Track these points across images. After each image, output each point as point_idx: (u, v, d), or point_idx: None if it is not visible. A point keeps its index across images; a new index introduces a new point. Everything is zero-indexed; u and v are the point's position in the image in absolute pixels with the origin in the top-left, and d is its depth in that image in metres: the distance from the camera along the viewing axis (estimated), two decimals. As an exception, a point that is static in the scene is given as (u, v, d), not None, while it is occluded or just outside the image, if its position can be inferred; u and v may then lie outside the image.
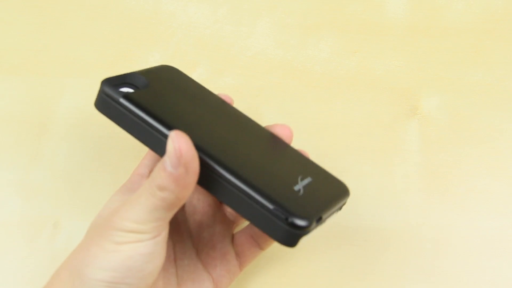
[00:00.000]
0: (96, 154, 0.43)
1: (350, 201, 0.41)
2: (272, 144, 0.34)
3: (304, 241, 0.28)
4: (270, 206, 0.28)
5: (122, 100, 0.30)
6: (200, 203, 0.36)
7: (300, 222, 0.28)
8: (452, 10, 0.47)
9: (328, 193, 0.32)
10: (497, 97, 0.44)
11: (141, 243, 0.29)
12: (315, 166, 0.34)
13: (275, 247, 0.40)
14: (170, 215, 0.30)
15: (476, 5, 0.47)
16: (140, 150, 0.43)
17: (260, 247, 0.36)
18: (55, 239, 0.40)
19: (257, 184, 0.28)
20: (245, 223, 0.38)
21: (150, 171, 0.35)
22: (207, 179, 0.29)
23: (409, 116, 0.43)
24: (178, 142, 0.28)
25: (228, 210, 0.37)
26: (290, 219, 0.27)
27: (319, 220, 0.29)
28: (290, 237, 0.28)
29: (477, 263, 0.39)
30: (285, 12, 0.47)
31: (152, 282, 0.30)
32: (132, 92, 0.31)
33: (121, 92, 0.31)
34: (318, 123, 0.43)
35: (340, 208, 0.32)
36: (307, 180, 0.31)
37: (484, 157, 0.42)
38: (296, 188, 0.30)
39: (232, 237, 0.36)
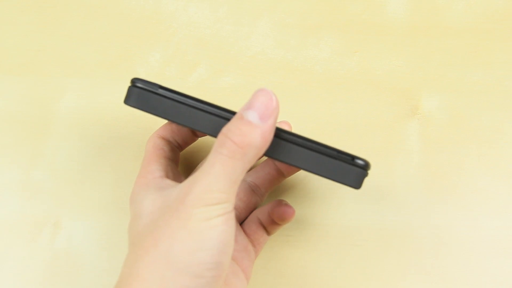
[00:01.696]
0: (96, 154, 0.43)
1: (350, 201, 0.41)
2: None
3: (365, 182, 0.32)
4: (337, 153, 0.32)
5: (160, 90, 0.33)
6: None
7: (362, 162, 0.32)
8: (452, 10, 0.47)
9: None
10: (497, 97, 0.44)
11: (229, 214, 0.28)
12: None
13: (275, 247, 0.40)
14: (243, 177, 0.29)
15: (476, 5, 0.47)
16: (140, 150, 0.43)
17: (268, 232, 0.37)
18: (55, 239, 0.40)
19: (321, 142, 0.32)
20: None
21: (166, 172, 0.34)
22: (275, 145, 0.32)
23: (409, 116, 0.43)
24: (271, 94, 0.28)
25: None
26: (355, 160, 0.32)
27: (368, 167, 0.33)
28: (357, 177, 0.32)
29: (478, 263, 0.39)
30: (285, 12, 0.47)
31: (229, 263, 0.29)
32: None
33: (156, 84, 0.34)
34: (318, 123, 0.43)
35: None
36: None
37: (484, 157, 0.42)
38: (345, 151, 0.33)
39: (241, 229, 0.37)
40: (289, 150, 0.32)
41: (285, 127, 0.37)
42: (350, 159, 0.32)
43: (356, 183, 0.32)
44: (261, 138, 0.28)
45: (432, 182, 0.41)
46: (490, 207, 0.41)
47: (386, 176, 0.42)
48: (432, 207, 0.41)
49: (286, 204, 0.37)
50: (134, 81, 0.34)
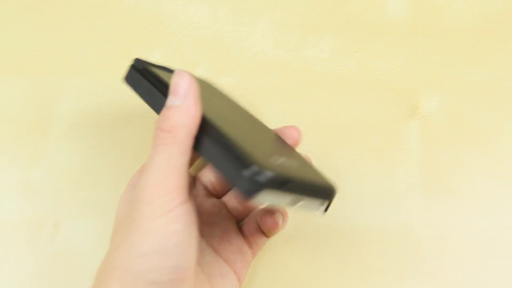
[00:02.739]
0: (96, 154, 0.43)
1: (350, 201, 0.41)
2: (271, 136, 0.36)
3: (264, 196, 0.27)
4: (237, 151, 0.28)
5: (143, 70, 0.33)
6: (204, 203, 0.37)
7: (256, 169, 0.26)
8: (452, 10, 0.47)
9: (310, 178, 0.30)
10: (497, 97, 0.44)
11: (179, 209, 0.27)
12: (310, 164, 0.34)
13: (275, 247, 0.40)
14: (184, 161, 0.28)
15: (476, 5, 0.47)
16: (140, 150, 0.43)
17: (266, 235, 0.36)
18: (55, 239, 0.40)
19: (233, 137, 0.28)
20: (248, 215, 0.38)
21: None
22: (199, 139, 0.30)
23: (409, 116, 0.43)
24: (182, 73, 0.30)
25: (230, 205, 0.37)
26: (250, 165, 0.27)
27: (285, 185, 0.27)
28: (249, 184, 0.26)
29: (477, 263, 0.39)
30: (285, 12, 0.47)
31: (192, 265, 0.28)
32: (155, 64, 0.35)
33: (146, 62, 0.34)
34: (318, 123, 0.43)
35: (323, 205, 0.30)
36: (292, 161, 0.31)
37: (484, 157, 0.42)
38: (275, 157, 0.29)
39: (240, 230, 0.37)
40: (204, 143, 0.29)
41: (293, 132, 0.36)
42: (246, 164, 0.27)
43: (247, 191, 0.27)
44: (185, 115, 0.28)
45: (432, 182, 0.41)
46: (490, 207, 0.41)
47: (386, 176, 0.42)
48: (432, 207, 0.41)
49: (272, 215, 0.35)
50: (134, 61, 0.34)
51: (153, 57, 0.46)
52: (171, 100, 0.29)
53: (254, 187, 0.26)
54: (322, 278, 0.39)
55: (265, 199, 0.27)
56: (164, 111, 0.29)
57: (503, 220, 0.40)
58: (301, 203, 0.29)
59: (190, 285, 0.29)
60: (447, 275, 0.39)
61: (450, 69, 0.45)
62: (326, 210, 0.30)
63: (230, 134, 0.29)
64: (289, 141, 0.35)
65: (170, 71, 0.36)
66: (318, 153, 0.39)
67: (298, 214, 0.41)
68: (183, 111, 0.29)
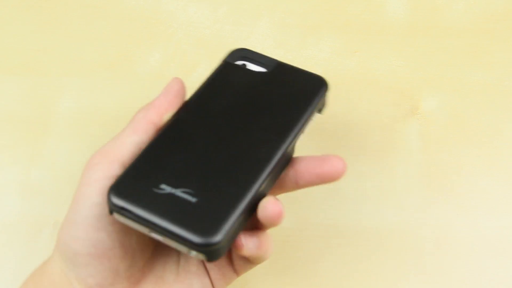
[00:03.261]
0: (96, 154, 0.43)
1: (350, 201, 0.41)
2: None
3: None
4: (127, 169, 0.29)
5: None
6: None
7: (112, 190, 0.28)
8: (452, 10, 0.47)
9: (171, 219, 0.27)
10: (497, 97, 0.44)
11: (98, 182, 0.29)
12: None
13: (275, 247, 0.40)
14: (135, 139, 0.31)
15: (476, 5, 0.47)
16: (140, 150, 0.43)
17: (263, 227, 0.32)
18: (55, 239, 0.40)
19: (144, 154, 0.30)
20: None
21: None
22: None
23: (409, 116, 0.43)
24: (177, 80, 0.34)
25: None
26: (112, 185, 0.28)
27: (123, 213, 0.28)
28: (108, 203, 0.28)
29: (477, 263, 0.39)
30: (285, 12, 0.47)
31: (130, 244, 0.30)
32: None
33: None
34: (318, 123, 0.43)
35: (193, 252, 0.27)
36: (188, 196, 0.28)
37: (484, 157, 0.42)
38: (164, 186, 0.29)
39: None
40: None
41: (335, 163, 0.32)
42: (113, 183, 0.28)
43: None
44: (151, 105, 0.32)
45: (432, 182, 0.41)
46: (490, 207, 0.41)
47: (386, 176, 0.42)
48: (432, 207, 0.41)
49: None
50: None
51: (153, 57, 0.46)
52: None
53: (108, 206, 0.28)
54: (322, 278, 0.39)
55: (121, 220, 0.28)
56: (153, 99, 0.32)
57: (503, 220, 0.40)
58: (156, 236, 0.28)
59: (116, 265, 0.29)
60: (447, 275, 0.39)
61: (450, 69, 0.45)
62: (208, 259, 0.27)
63: (147, 150, 0.30)
64: (329, 172, 0.32)
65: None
66: (318, 153, 0.39)
67: (298, 214, 0.41)
68: (151, 102, 0.32)
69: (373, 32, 0.46)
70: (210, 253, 0.27)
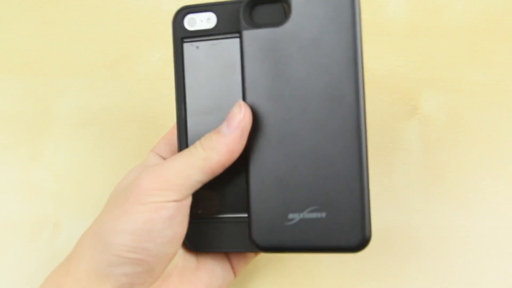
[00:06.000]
0: (96, 154, 0.43)
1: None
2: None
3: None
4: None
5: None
6: None
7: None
8: (452, 10, 0.47)
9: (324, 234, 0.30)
10: (497, 97, 0.44)
11: (164, 203, 0.29)
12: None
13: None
14: (201, 179, 0.30)
15: (476, 5, 0.47)
16: (139, 150, 0.43)
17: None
18: (55, 239, 0.40)
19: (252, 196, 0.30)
20: None
21: (166, 154, 0.35)
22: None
23: (409, 116, 0.43)
24: (242, 106, 0.30)
25: None
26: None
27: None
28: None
29: (477, 263, 0.39)
30: (285, 12, 0.47)
31: (172, 253, 0.30)
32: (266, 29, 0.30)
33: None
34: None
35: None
36: (316, 214, 0.30)
37: (484, 157, 0.42)
38: (290, 216, 0.30)
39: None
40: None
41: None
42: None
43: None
44: (225, 146, 0.30)
45: (432, 182, 0.41)
46: (490, 207, 0.41)
47: (386, 176, 0.42)
48: (432, 207, 0.41)
49: None
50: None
51: (153, 57, 0.46)
52: (222, 126, 0.30)
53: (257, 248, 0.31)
54: (322, 278, 0.39)
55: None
56: (213, 132, 0.30)
57: (503, 220, 0.40)
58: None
59: (151, 269, 0.30)
60: (447, 275, 0.39)
61: (450, 69, 0.45)
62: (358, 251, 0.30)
63: (254, 189, 0.30)
64: None
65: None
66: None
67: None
68: (226, 142, 0.30)
69: (373, 32, 0.46)
70: (364, 247, 0.29)
